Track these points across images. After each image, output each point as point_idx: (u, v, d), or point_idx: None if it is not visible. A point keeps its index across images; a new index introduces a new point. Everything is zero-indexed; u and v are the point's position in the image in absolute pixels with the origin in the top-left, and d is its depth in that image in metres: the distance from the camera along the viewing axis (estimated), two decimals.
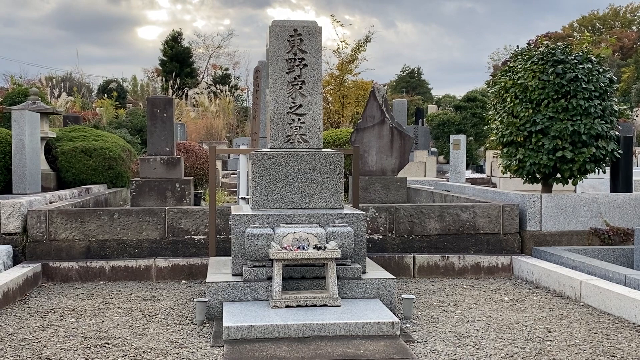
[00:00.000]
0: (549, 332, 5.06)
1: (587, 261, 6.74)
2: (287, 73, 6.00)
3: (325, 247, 5.30)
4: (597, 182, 13.18)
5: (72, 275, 7.04)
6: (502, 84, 8.89)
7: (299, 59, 6.00)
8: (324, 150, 6.04)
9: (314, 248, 5.31)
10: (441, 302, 6.09)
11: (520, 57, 8.94)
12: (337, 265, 5.52)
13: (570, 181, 8.58)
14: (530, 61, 8.58)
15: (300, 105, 6.02)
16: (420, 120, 28.09)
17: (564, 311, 5.72)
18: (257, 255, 5.43)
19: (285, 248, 5.28)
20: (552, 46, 8.63)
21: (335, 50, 23.33)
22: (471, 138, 27.85)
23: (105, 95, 29.59)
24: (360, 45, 23.10)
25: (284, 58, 5.99)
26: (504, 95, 8.87)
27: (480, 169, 23.40)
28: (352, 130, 10.66)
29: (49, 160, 11.75)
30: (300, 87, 6.01)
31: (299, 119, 6.02)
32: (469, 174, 20.49)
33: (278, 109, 6.00)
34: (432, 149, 25.26)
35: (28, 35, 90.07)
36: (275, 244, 5.33)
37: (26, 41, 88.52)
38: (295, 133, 6.02)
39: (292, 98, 6.01)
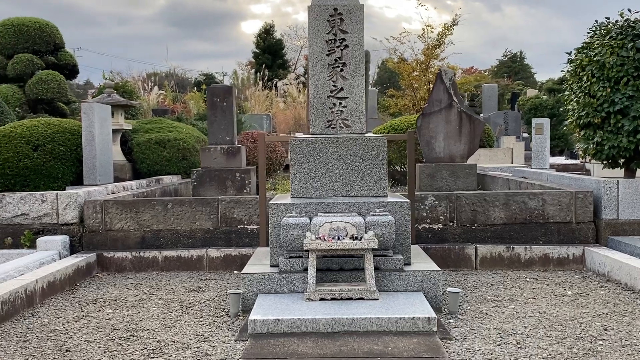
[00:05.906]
0: (605, 330, 4.57)
1: None
2: (327, 55, 5.72)
3: (362, 237, 5.01)
4: None
5: (126, 265, 7.06)
6: (578, 62, 8.26)
7: (339, 39, 5.71)
8: (366, 135, 5.73)
9: (350, 238, 5.04)
10: (496, 296, 5.67)
11: (597, 33, 8.27)
12: (377, 256, 5.23)
13: None
14: (608, 36, 7.91)
15: (342, 89, 5.72)
16: (515, 105, 27.08)
17: (629, 307, 5.18)
18: (293, 246, 5.21)
19: (320, 238, 5.02)
20: (632, 19, 7.92)
21: (420, 35, 22.63)
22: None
23: (195, 88, 30.17)
24: (447, 29, 22.30)
25: (323, 39, 5.71)
26: (580, 74, 8.24)
27: (574, 155, 22.26)
28: (418, 115, 10.23)
29: (125, 152, 11.97)
30: (341, 70, 5.72)
31: (340, 103, 5.74)
32: (562, 160, 19.51)
33: (318, 93, 5.73)
34: (523, 134, 24.18)
35: (139, 32, 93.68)
36: (311, 233, 5.09)
37: (137, 39, 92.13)
38: (337, 118, 5.74)
39: (332, 81, 5.73)
